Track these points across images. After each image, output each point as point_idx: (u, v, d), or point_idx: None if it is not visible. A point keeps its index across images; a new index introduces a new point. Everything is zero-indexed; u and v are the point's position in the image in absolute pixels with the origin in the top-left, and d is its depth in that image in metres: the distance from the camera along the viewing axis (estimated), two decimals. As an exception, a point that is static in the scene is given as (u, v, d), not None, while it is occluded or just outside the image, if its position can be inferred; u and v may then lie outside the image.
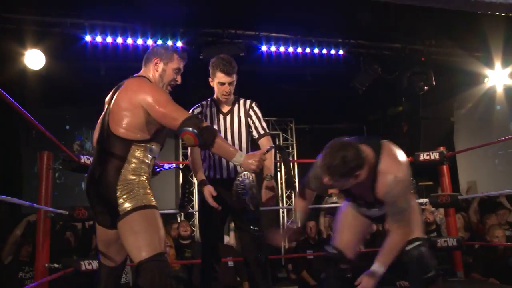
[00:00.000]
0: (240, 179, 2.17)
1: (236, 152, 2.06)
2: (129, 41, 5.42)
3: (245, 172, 2.16)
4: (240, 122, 2.73)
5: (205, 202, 2.59)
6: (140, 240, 1.91)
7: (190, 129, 1.94)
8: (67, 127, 7.54)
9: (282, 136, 8.17)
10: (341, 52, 6.17)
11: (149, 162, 2.07)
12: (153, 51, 2.22)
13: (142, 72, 2.22)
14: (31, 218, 4.09)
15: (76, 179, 7.03)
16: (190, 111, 2.74)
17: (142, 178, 2.01)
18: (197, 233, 6.68)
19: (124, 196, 1.95)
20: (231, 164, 2.62)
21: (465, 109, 7.65)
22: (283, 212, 7.85)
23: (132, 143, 2.01)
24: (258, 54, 5.84)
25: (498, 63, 6.50)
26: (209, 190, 2.58)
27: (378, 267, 2.14)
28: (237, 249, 4.97)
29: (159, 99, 2.00)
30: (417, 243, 2.24)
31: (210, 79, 2.72)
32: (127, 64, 5.03)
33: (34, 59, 5.21)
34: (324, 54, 6.15)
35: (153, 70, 2.19)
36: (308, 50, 6.04)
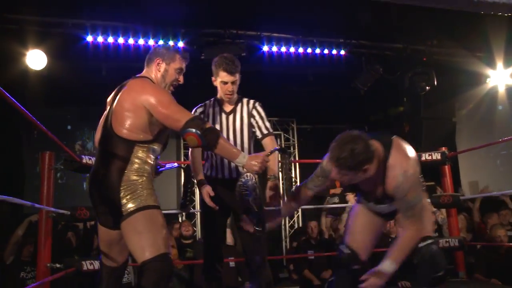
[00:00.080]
0: (243, 180, 2.16)
1: (239, 153, 2.06)
2: (131, 41, 5.43)
3: (248, 173, 2.15)
4: (243, 121, 2.71)
5: (217, 207, 2.59)
6: (144, 240, 1.91)
7: (193, 130, 1.94)
8: (69, 127, 7.55)
9: (284, 136, 8.17)
10: (342, 52, 6.17)
11: (151, 162, 2.07)
12: (155, 52, 2.23)
13: (144, 72, 2.22)
14: (33, 218, 4.10)
15: (78, 179, 7.03)
16: (193, 111, 2.75)
17: (145, 179, 2.02)
18: (198, 233, 6.69)
19: (128, 197, 1.96)
20: (233, 164, 2.61)
21: (467, 109, 7.63)
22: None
23: (135, 144, 2.02)
24: (259, 54, 5.84)
25: (500, 63, 6.49)
26: (206, 190, 2.58)
27: (389, 264, 2.08)
28: (238, 249, 4.97)
29: (162, 100, 2.00)
30: (429, 241, 2.22)
31: (213, 78, 2.70)
32: (129, 64, 5.03)
33: (35, 59, 5.22)
34: (326, 54, 6.15)
35: (155, 70, 2.20)
36: (309, 50, 6.04)
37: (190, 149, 2.74)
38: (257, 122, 2.73)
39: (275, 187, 2.55)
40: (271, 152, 2.24)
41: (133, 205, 1.95)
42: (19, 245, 4.16)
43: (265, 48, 5.88)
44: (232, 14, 5.28)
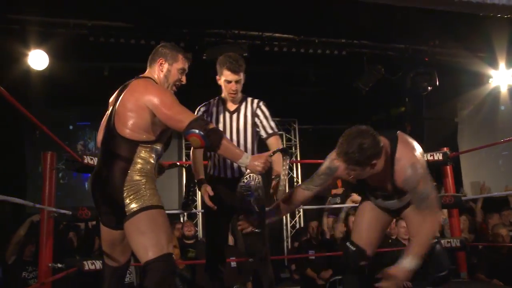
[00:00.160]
0: (246, 180, 2.16)
1: (242, 154, 2.06)
2: (132, 41, 5.42)
3: (251, 174, 2.14)
4: (247, 121, 2.70)
5: (216, 207, 2.58)
6: (147, 240, 1.92)
7: (197, 131, 1.95)
8: (71, 127, 7.56)
9: (286, 136, 8.17)
10: (344, 52, 6.16)
11: (154, 162, 2.07)
12: (158, 52, 2.23)
13: (147, 72, 2.22)
14: (35, 218, 4.10)
15: (79, 179, 7.05)
16: (197, 109, 2.74)
17: (148, 179, 2.02)
18: (200, 233, 6.70)
19: (131, 197, 1.96)
20: (235, 163, 2.61)
21: (469, 110, 7.61)
22: (286, 213, 7.83)
23: (138, 144, 2.02)
24: (261, 55, 5.83)
25: (502, 63, 6.47)
26: (206, 189, 2.57)
27: (410, 261, 2.01)
28: (240, 249, 4.97)
29: (165, 100, 2.00)
30: (434, 241, 2.23)
31: (217, 76, 2.69)
32: (131, 64, 5.03)
33: (37, 59, 5.22)
34: (327, 54, 6.14)
35: (158, 70, 2.20)
36: (311, 50, 6.03)
37: (191, 149, 2.73)
38: (261, 122, 2.72)
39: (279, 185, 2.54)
40: (274, 152, 2.23)
41: (136, 205, 1.95)
42: (21, 245, 4.17)
43: (267, 48, 5.88)
44: (234, 14, 5.27)
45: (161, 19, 5.36)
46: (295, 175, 8.14)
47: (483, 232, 5.08)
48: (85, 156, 3.42)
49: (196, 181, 2.67)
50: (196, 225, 6.84)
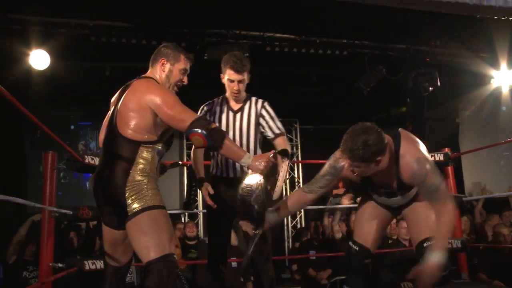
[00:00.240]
0: (247, 182, 2.15)
1: (244, 154, 2.06)
2: (134, 41, 5.42)
3: (253, 174, 2.14)
4: (250, 120, 2.68)
5: (215, 206, 2.58)
6: (149, 240, 1.92)
7: (199, 130, 1.95)
8: (72, 127, 7.57)
9: (287, 136, 8.16)
10: (345, 52, 6.15)
11: (156, 162, 2.08)
12: (160, 52, 2.23)
13: (149, 72, 2.22)
14: (36, 217, 4.10)
15: (80, 179, 7.05)
16: (201, 108, 2.74)
17: (150, 179, 2.02)
18: (201, 233, 6.70)
19: (133, 197, 1.96)
20: (237, 163, 2.60)
21: (470, 110, 7.61)
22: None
23: (139, 144, 2.02)
24: (262, 55, 5.82)
25: (503, 64, 6.46)
26: (206, 188, 2.57)
27: (437, 255, 1.99)
28: (241, 249, 4.96)
29: (167, 100, 2.00)
30: (434, 241, 2.23)
31: (221, 75, 2.68)
32: (132, 64, 5.04)
33: (39, 59, 5.23)
34: (329, 54, 6.13)
35: (159, 70, 2.20)
36: (312, 50, 6.03)
37: (192, 148, 2.73)
38: (267, 122, 2.70)
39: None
40: (275, 153, 2.22)
41: (138, 205, 1.95)
42: (22, 244, 4.17)
43: (268, 49, 5.87)
44: (235, 14, 5.27)
45: (163, 19, 5.37)
46: (296, 175, 8.13)
47: (483, 233, 5.07)
48: (86, 156, 3.41)
49: (197, 180, 2.67)
50: (197, 225, 6.84)
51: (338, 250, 4.57)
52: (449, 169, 4.28)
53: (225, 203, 2.58)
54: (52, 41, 5.19)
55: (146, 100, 2.01)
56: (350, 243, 2.47)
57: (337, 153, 2.16)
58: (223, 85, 2.73)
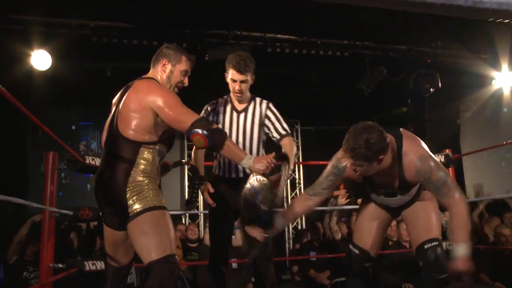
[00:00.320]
0: (249, 185, 2.13)
1: (245, 155, 2.06)
2: (135, 41, 5.42)
3: (256, 176, 2.13)
4: (254, 121, 2.67)
5: (215, 204, 2.57)
6: (150, 241, 1.92)
7: (200, 131, 1.94)
8: (73, 127, 7.57)
9: (288, 137, 8.15)
10: (346, 53, 6.15)
11: (157, 163, 2.07)
12: (162, 52, 2.23)
13: (150, 73, 2.22)
14: (36, 218, 4.10)
15: (81, 179, 7.05)
16: (205, 108, 2.73)
17: (151, 180, 2.02)
18: (201, 233, 6.68)
19: (134, 198, 1.96)
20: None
21: (472, 112, 7.60)
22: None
23: (140, 145, 2.02)
24: (263, 55, 5.82)
25: (505, 65, 6.45)
26: (206, 187, 2.57)
27: (462, 248, 2.00)
28: (244, 250, 4.96)
29: (169, 101, 2.00)
30: (435, 243, 2.23)
31: (225, 74, 2.66)
32: (133, 65, 5.04)
33: (40, 60, 5.23)
34: (330, 55, 6.13)
35: (160, 71, 2.20)
36: (313, 51, 6.03)
37: (193, 149, 2.72)
38: (273, 124, 2.69)
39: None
40: (276, 155, 2.21)
41: (139, 206, 1.95)
42: (22, 245, 4.17)
43: (269, 49, 5.87)
44: (236, 15, 5.27)
45: (164, 20, 5.37)
46: (297, 176, 8.13)
47: (483, 234, 5.06)
48: (87, 156, 3.40)
49: (198, 179, 2.66)
50: (197, 225, 6.83)
51: (339, 251, 4.56)
52: (450, 171, 4.27)
53: (226, 204, 2.58)
54: (54, 41, 5.19)
55: (147, 100, 2.01)
56: (351, 246, 2.47)
57: (339, 153, 2.16)
58: (224, 86, 2.72)
